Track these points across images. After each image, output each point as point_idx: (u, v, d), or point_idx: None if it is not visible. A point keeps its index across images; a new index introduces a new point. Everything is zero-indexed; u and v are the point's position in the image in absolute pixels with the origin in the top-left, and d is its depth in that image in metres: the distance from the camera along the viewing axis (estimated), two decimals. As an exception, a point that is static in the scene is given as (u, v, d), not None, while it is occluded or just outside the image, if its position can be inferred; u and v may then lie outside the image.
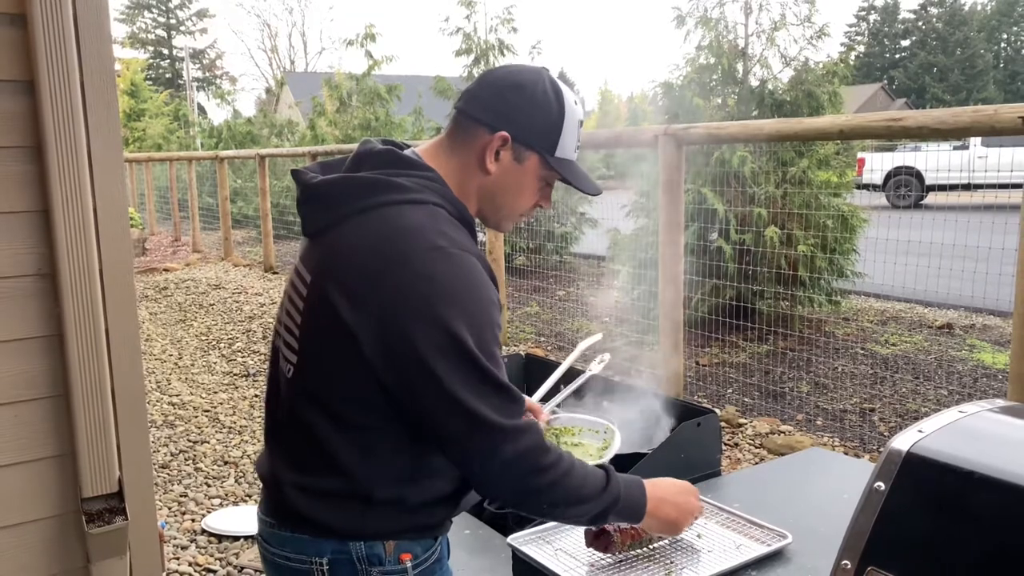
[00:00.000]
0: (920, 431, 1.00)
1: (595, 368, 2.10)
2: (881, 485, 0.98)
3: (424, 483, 1.22)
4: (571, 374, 2.15)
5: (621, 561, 1.53)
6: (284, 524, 1.24)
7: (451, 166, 1.24)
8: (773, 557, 1.54)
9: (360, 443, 1.18)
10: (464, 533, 1.92)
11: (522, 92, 1.22)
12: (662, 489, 1.35)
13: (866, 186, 10.71)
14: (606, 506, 1.24)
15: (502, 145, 1.22)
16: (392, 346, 1.12)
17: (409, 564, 1.22)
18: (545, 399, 2.05)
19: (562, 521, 1.25)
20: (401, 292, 1.11)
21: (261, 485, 1.32)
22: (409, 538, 1.23)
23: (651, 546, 1.57)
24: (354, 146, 1.32)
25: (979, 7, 49.67)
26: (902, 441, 0.99)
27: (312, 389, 1.22)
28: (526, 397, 1.68)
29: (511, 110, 1.22)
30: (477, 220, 1.30)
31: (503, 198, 1.27)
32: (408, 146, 1.32)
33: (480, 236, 8.84)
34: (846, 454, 3.62)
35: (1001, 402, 1.10)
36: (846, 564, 0.99)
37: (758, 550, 1.55)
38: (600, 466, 1.26)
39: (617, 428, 1.86)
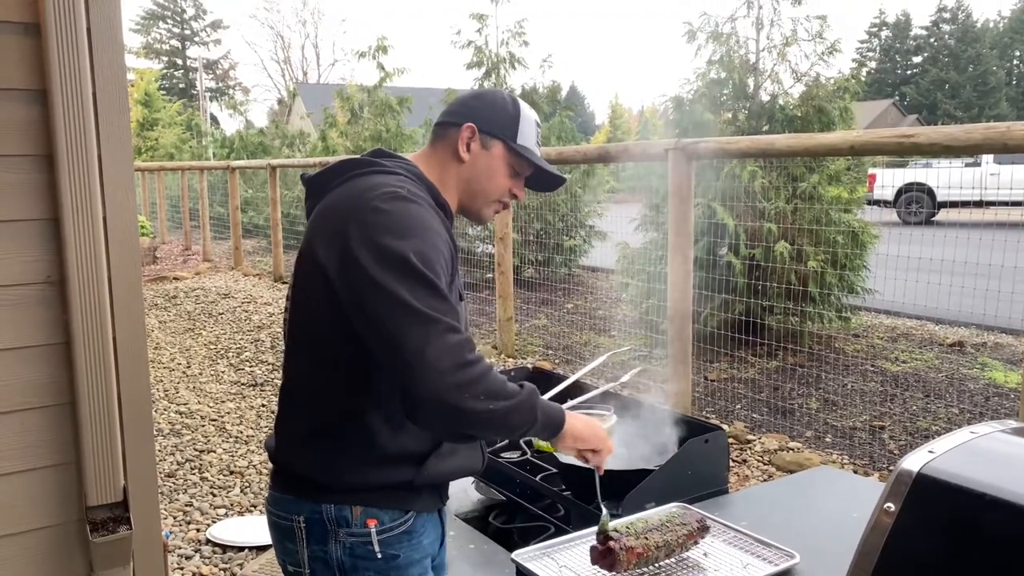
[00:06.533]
0: (931, 452, 0.99)
1: (626, 378, 2.15)
2: (891, 506, 0.96)
3: (387, 432, 1.30)
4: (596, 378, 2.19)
5: (627, 579, 1.51)
6: (276, 485, 1.39)
7: (432, 164, 1.45)
8: (781, 577, 1.52)
9: (333, 376, 1.31)
10: (469, 548, 1.91)
11: (482, 97, 1.49)
12: (571, 415, 1.42)
13: (877, 202, 10.67)
14: (525, 400, 1.26)
15: (471, 136, 1.44)
16: (348, 267, 1.25)
17: (373, 529, 1.30)
18: (564, 399, 2.07)
19: (488, 427, 1.25)
20: (358, 225, 1.27)
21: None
22: (376, 503, 1.31)
23: (656, 564, 1.56)
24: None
25: (991, 24, 49.55)
26: (912, 462, 0.97)
27: (297, 334, 1.37)
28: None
29: (474, 108, 1.46)
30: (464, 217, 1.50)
31: (478, 184, 1.46)
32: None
33: (489, 248, 8.86)
34: (855, 472, 3.59)
35: (1013, 423, 1.08)
36: (855, 586, 0.97)
37: (765, 570, 1.53)
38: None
39: (614, 414, 1.95)
